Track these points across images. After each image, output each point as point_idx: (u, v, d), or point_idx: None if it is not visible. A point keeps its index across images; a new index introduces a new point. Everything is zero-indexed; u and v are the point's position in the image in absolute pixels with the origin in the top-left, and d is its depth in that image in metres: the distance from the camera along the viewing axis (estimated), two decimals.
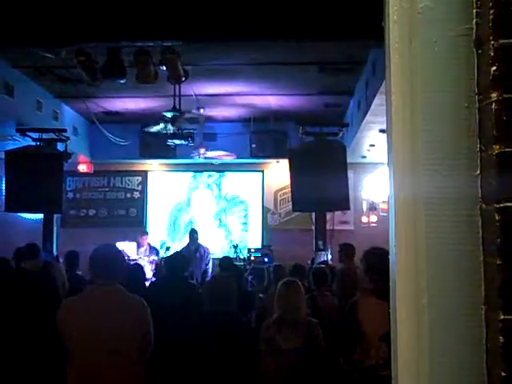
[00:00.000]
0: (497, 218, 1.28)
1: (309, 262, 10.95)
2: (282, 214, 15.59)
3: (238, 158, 14.25)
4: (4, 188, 11.11)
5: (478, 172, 1.37)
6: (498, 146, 1.29)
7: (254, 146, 13.97)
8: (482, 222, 1.35)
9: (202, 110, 12.40)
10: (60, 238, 12.31)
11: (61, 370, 4.21)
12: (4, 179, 11.10)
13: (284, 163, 12.10)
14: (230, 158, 14.14)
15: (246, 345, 5.23)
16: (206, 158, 13.79)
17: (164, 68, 8.61)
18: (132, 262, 10.33)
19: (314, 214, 12.22)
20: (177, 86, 10.06)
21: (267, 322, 5.48)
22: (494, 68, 1.31)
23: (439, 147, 1.40)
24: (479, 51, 1.38)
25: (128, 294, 4.49)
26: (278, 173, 15.02)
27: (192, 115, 11.33)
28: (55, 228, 11.98)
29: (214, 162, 14.69)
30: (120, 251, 4.79)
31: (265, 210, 15.73)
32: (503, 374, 1.24)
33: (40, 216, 12.00)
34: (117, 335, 4.20)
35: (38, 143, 11.05)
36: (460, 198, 1.38)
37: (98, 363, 4.14)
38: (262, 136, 13.89)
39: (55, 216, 12.02)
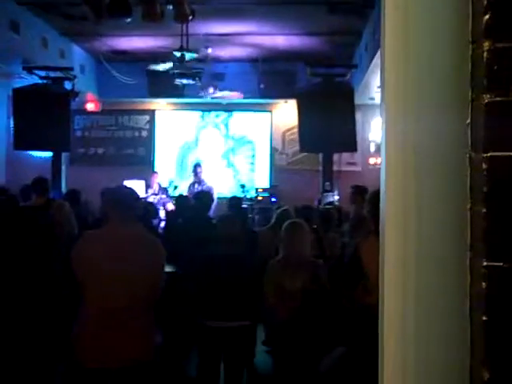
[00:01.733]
0: (484, 167, 1.29)
1: (316, 202, 10.98)
2: (289, 154, 15.56)
3: (246, 97, 14.18)
4: (13, 126, 11.15)
5: (469, 121, 1.38)
6: (488, 96, 1.30)
7: (262, 86, 13.89)
8: (471, 171, 1.37)
9: (209, 50, 12.29)
10: (69, 176, 12.38)
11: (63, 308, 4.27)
12: (12, 117, 11.13)
13: (292, 103, 12.04)
14: (237, 98, 14.07)
15: (251, 285, 5.30)
16: (213, 97, 13.72)
17: (170, 7, 8.52)
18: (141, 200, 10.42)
19: (321, 154, 12.23)
20: (184, 25, 9.96)
21: (272, 263, 5.53)
22: (487, 17, 1.31)
23: (432, 95, 1.41)
24: None
25: (148, 235, 4.52)
26: (286, 113, 14.92)
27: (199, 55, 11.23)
28: (64, 166, 12.04)
29: (221, 101, 14.62)
30: (135, 191, 4.77)
31: (273, 150, 15.70)
32: (484, 318, 1.27)
33: (49, 154, 12.04)
34: (134, 272, 4.22)
35: (45, 81, 11.02)
36: (451, 146, 1.39)
37: (113, 298, 4.17)
38: (271, 76, 13.79)
39: (63, 154, 12.06)
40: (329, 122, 10.13)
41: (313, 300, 5.30)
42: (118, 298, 4.18)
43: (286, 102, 14.58)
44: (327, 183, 11.44)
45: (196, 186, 12.52)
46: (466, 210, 1.37)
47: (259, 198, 14.39)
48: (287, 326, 5.30)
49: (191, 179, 13.01)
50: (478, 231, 1.32)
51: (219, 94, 13.58)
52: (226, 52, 13.32)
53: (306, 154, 13.71)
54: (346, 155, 13.08)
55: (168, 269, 5.24)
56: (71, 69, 11.41)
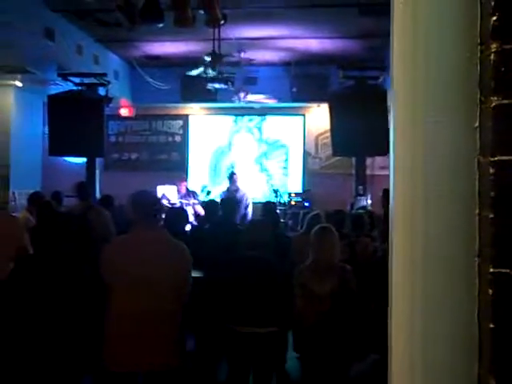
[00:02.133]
0: (491, 171, 1.26)
1: (348, 207, 10.92)
2: (322, 158, 15.49)
3: (279, 101, 14.17)
4: (48, 132, 11.32)
5: (477, 124, 1.35)
6: (495, 98, 1.27)
7: (294, 89, 13.87)
8: (479, 176, 1.34)
9: (242, 54, 12.32)
10: (103, 182, 12.50)
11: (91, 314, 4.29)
12: (48, 123, 11.29)
13: (325, 107, 11.97)
14: (270, 102, 14.07)
15: (281, 291, 5.28)
16: (246, 101, 13.75)
17: (202, 12, 8.56)
18: (173, 206, 10.47)
19: (354, 158, 12.17)
20: (216, 30, 9.99)
21: (301, 267, 5.51)
22: (495, 18, 1.28)
23: (440, 98, 1.39)
24: (482, 0, 1.34)
25: (174, 240, 4.54)
26: (319, 117, 14.85)
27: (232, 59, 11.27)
28: (98, 172, 12.16)
29: (254, 105, 14.63)
30: (157, 197, 4.82)
31: (306, 155, 15.65)
32: (491, 325, 1.25)
33: (83, 160, 12.17)
34: (160, 277, 4.23)
35: (80, 88, 11.15)
36: (459, 150, 1.37)
37: (140, 302, 4.19)
38: (303, 80, 13.78)
39: (98, 160, 12.18)
40: (361, 125, 10.08)
41: (342, 304, 5.27)
42: (145, 302, 4.20)
43: (318, 105, 14.52)
44: (360, 187, 11.38)
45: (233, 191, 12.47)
46: (475, 216, 1.34)
47: (292, 202, 14.37)
48: (316, 331, 5.27)
49: (225, 186, 12.91)
50: (485, 237, 1.29)
51: (252, 97, 13.61)
52: (258, 56, 13.32)
53: (338, 157, 13.66)
54: (379, 159, 12.99)
55: (197, 274, 5.25)
56: (105, 75, 11.53)
